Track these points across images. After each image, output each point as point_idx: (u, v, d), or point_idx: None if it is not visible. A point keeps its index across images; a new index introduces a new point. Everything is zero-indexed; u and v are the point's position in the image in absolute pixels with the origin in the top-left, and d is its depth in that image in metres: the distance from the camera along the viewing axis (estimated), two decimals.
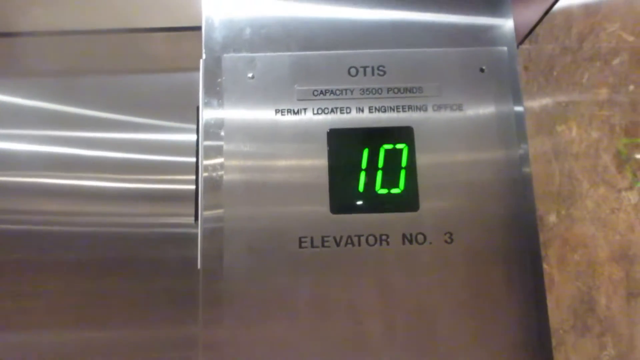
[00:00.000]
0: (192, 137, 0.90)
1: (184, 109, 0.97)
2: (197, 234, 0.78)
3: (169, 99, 1.00)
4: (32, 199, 0.97)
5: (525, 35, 0.77)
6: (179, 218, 0.97)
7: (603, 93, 0.55)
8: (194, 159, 0.86)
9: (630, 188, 0.51)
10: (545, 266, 0.72)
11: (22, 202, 0.97)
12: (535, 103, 0.74)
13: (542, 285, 0.74)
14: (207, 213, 0.78)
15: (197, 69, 0.84)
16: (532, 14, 0.75)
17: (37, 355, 0.94)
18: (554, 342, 0.70)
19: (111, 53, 1.02)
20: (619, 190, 0.53)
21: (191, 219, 0.93)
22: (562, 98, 0.65)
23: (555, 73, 0.66)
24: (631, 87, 0.50)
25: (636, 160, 0.50)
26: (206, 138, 0.80)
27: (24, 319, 0.94)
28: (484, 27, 0.85)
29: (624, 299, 0.52)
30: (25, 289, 0.95)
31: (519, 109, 0.80)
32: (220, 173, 0.79)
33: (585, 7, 0.58)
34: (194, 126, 0.85)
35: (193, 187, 0.86)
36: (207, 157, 0.79)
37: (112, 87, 1.01)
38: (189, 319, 0.92)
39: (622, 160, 0.52)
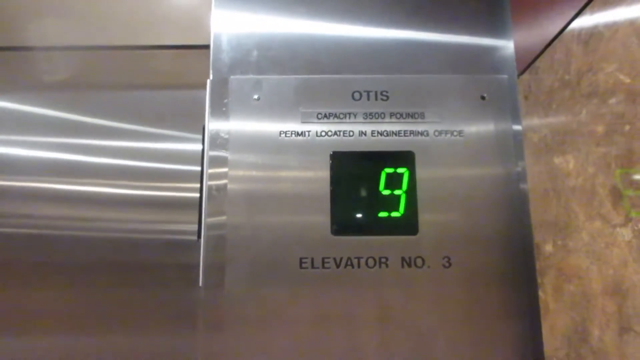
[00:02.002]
0: (197, 155, 0.92)
1: (191, 123, 0.99)
2: (199, 241, 0.80)
3: (174, 112, 1.02)
4: (39, 204, 0.98)
5: (526, 66, 0.78)
6: (183, 225, 0.98)
7: (600, 130, 0.57)
8: (197, 167, 0.88)
9: (625, 225, 0.52)
10: (540, 294, 0.74)
11: (27, 206, 0.99)
12: (534, 133, 0.76)
13: (537, 312, 0.75)
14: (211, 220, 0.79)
15: (203, 85, 0.85)
16: (533, 43, 0.77)
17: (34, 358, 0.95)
18: None
19: (122, 68, 1.04)
20: (614, 226, 0.54)
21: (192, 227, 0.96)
22: (560, 130, 0.66)
23: (554, 106, 0.68)
24: (627, 127, 0.52)
25: (632, 193, 0.52)
26: (211, 166, 0.81)
27: (21, 322, 0.96)
28: (486, 55, 0.87)
29: (617, 333, 0.53)
30: (24, 292, 0.96)
31: (518, 137, 0.82)
32: (222, 183, 0.80)
33: (585, 46, 0.60)
34: (198, 136, 0.86)
35: (194, 195, 0.88)
36: (211, 179, 0.81)
37: (122, 100, 1.03)
38: (187, 329, 0.93)
39: (617, 196, 0.54)
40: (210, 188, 0.80)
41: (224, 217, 0.79)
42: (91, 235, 0.97)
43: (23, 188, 1.00)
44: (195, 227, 0.94)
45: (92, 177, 1.00)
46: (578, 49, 0.62)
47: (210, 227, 0.79)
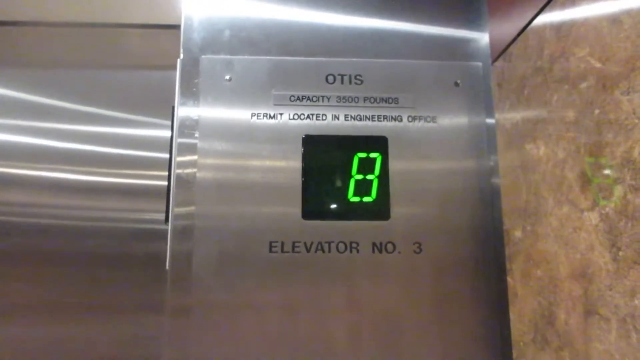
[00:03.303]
0: (166, 134, 0.90)
1: (160, 106, 0.97)
2: (166, 230, 0.78)
3: (144, 95, 0.99)
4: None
5: (499, 53, 0.78)
6: (149, 214, 0.96)
7: (570, 115, 0.57)
8: (167, 155, 0.85)
9: (592, 209, 0.52)
10: (509, 280, 0.74)
11: None
12: (507, 120, 0.76)
13: (505, 298, 0.75)
14: (179, 210, 0.77)
15: (174, 67, 0.83)
16: (507, 30, 0.77)
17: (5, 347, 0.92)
18: (514, 354, 0.71)
19: (88, 46, 1.01)
20: (582, 210, 0.54)
21: (161, 215, 0.93)
22: (531, 117, 0.66)
23: (526, 92, 0.68)
24: (596, 111, 0.52)
25: (600, 179, 0.52)
26: (180, 137, 0.80)
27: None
28: (461, 42, 0.86)
29: (582, 316, 0.54)
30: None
31: (490, 123, 0.82)
32: (193, 170, 0.78)
33: (557, 31, 0.60)
34: (169, 122, 0.84)
35: (164, 183, 0.86)
36: (180, 154, 0.79)
37: (87, 80, 0.99)
38: (154, 315, 0.91)
39: (586, 181, 0.54)
40: (178, 175, 0.78)
41: (192, 207, 0.77)
42: (55, 222, 0.94)
43: None
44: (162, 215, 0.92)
45: (56, 163, 0.96)
46: (551, 35, 0.62)
47: (178, 216, 0.77)
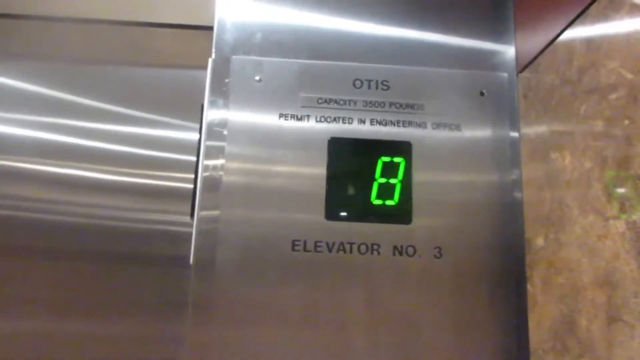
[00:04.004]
0: (194, 136, 0.92)
1: (189, 107, 0.99)
2: (191, 232, 0.79)
3: (173, 95, 1.01)
4: (26, 185, 0.97)
5: (526, 64, 0.80)
6: (174, 216, 0.97)
7: (598, 125, 0.58)
8: (193, 157, 0.87)
9: (618, 217, 0.53)
10: (529, 287, 0.75)
11: (15, 187, 0.97)
12: (532, 130, 0.77)
13: (524, 305, 0.76)
14: (204, 213, 0.79)
15: (204, 67, 0.85)
16: (534, 43, 0.78)
17: (20, 344, 0.93)
18: None
19: (120, 44, 1.03)
20: (607, 219, 0.55)
21: (186, 218, 0.95)
22: (558, 127, 0.67)
23: (553, 102, 0.69)
24: (626, 122, 0.53)
25: (622, 192, 0.53)
26: (209, 138, 0.81)
27: (7, 308, 0.94)
28: (487, 52, 0.88)
29: (605, 323, 0.54)
30: (9, 277, 0.95)
31: (514, 134, 0.83)
32: (220, 173, 0.80)
33: (588, 43, 0.61)
34: (197, 124, 0.86)
35: (190, 185, 0.87)
36: (208, 157, 0.81)
37: (118, 79, 1.02)
38: (176, 317, 0.92)
39: (612, 190, 0.55)
40: (205, 178, 0.80)
41: (218, 211, 0.79)
42: (80, 221, 0.96)
43: (11, 168, 0.98)
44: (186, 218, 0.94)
45: (83, 161, 0.98)
46: (581, 47, 0.63)
47: (203, 218, 0.78)
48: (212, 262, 0.77)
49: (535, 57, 0.77)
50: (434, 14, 0.90)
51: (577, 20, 0.65)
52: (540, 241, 0.72)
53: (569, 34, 0.67)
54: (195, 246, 0.78)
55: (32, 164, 0.98)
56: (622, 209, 0.53)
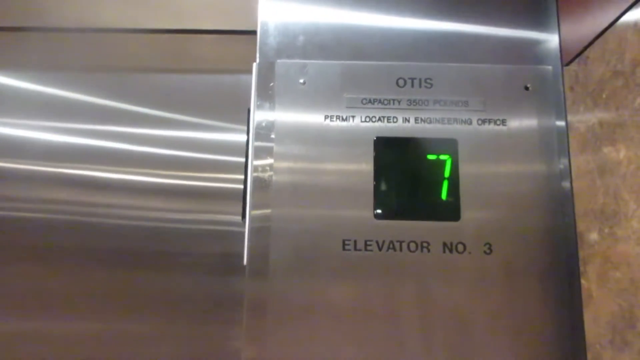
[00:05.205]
0: (241, 138, 0.93)
1: (233, 110, 1.01)
2: (242, 232, 0.81)
3: (218, 100, 1.04)
4: (79, 191, 1.00)
5: (574, 57, 0.79)
6: (226, 216, 1.00)
7: None
8: (241, 159, 0.89)
9: None
10: (583, 282, 0.75)
11: (68, 193, 1.01)
12: (581, 123, 0.76)
13: (579, 300, 0.76)
14: (256, 212, 0.81)
15: (247, 71, 0.87)
16: (581, 35, 0.77)
17: (67, 343, 0.97)
18: (589, 356, 0.72)
19: (165, 52, 1.06)
20: None
21: (237, 218, 0.97)
22: (610, 120, 0.67)
23: (604, 96, 0.68)
24: None
25: None
26: (257, 139, 0.83)
27: (60, 309, 0.98)
28: (530, 45, 0.87)
29: None
30: (63, 278, 0.98)
31: (561, 126, 0.82)
32: (269, 174, 0.82)
33: None
34: (243, 127, 0.88)
35: (240, 186, 0.89)
36: (257, 157, 0.83)
37: (164, 86, 1.05)
38: (230, 317, 0.95)
39: None
40: (255, 178, 0.82)
41: (269, 209, 0.80)
42: (131, 224, 0.99)
43: (62, 174, 1.02)
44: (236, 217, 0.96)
45: (133, 166, 1.01)
46: (633, 39, 0.62)
47: (255, 216, 0.80)
48: (265, 261, 0.79)
49: (583, 50, 0.76)
50: (474, 6, 0.89)
51: (629, 11, 0.64)
52: (594, 235, 0.71)
53: (619, 25, 0.66)
54: (248, 246, 0.80)
55: (84, 170, 1.01)
56: None
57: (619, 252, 0.64)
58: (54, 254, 0.99)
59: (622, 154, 0.64)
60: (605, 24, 0.69)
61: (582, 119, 0.76)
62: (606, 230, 0.67)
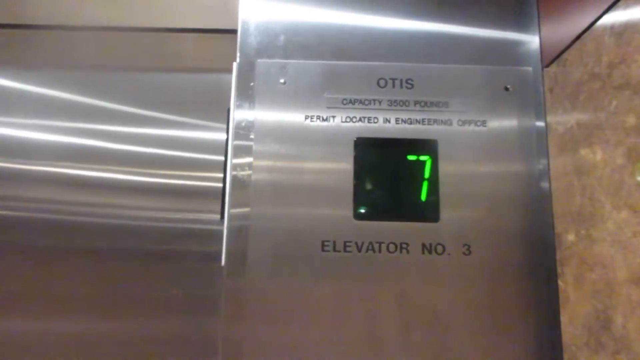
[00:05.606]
0: (222, 136, 0.93)
1: (214, 109, 1.00)
2: (220, 231, 0.81)
3: (199, 98, 1.03)
4: (58, 190, 0.99)
5: (552, 59, 0.79)
6: (203, 215, 0.99)
7: (631, 121, 0.58)
8: (221, 157, 0.89)
9: None
10: (560, 283, 0.75)
11: (47, 191, 0.99)
12: (559, 125, 0.76)
13: (556, 301, 0.76)
14: (234, 211, 0.80)
15: (227, 70, 0.86)
16: (560, 37, 0.78)
17: (54, 344, 0.96)
18: (565, 357, 0.72)
19: (145, 51, 1.05)
20: None
21: (213, 216, 0.97)
22: (587, 122, 0.67)
23: (582, 98, 0.69)
24: None
25: None
26: (236, 138, 0.83)
27: (43, 309, 0.96)
28: (511, 46, 0.87)
29: None
30: (46, 277, 0.97)
31: (540, 128, 0.83)
32: (248, 172, 0.81)
33: (617, 38, 0.61)
34: (224, 125, 0.87)
35: (218, 184, 0.89)
36: (236, 156, 0.82)
37: (144, 84, 1.03)
38: (208, 316, 0.94)
39: None
40: (234, 177, 0.81)
41: (247, 208, 0.80)
42: (110, 222, 0.98)
43: (41, 173, 1.00)
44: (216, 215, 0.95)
45: (111, 164, 1.00)
46: (610, 42, 0.63)
47: (234, 216, 0.80)
48: (243, 261, 0.78)
49: (562, 52, 0.76)
50: (456, 8, 0.89)
51: (605, 14, 0.64)
52: (571, 237, 0.71)
53: (597, 28, 0.66)
54: (226, 245, 0.79)
55: (62, 168, 1.00)
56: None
57: (595, 254, 0.64)
58: (29, 252, 0.97)
59: (599, 156, 0.64)
60: (583, 27, 0.69)
61: (561, 120, 0.76)
62: (583, 232, 0.68)
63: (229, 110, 0.85)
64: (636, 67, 0.57)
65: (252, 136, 0.82)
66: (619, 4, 0.62)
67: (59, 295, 0.97)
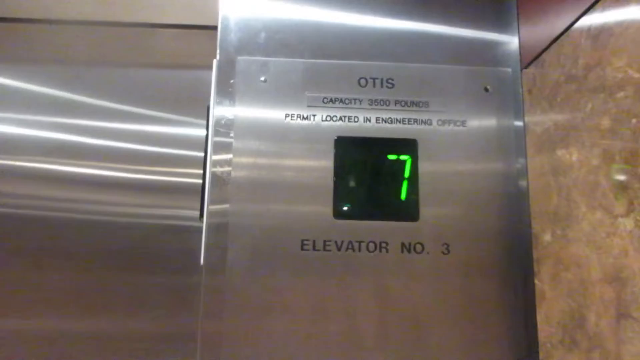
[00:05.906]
0: (202, 132, 0.92)
1: (194, 105, 0.99)
2: (200, 228, 0.80)
3: (179, 94, 1.02)
4: (34, 184, 0.98)
5: (531, 60, 0.80)
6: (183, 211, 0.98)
7: (605, 123, 0.58)
8: (201, 154, 0.88)
9: (627, 215, 0.54)
10: (537, 282, 0.76)
11: (24, 186, 0.98)
12: (537, 126, 0.77)
13: (532, 299, 0.77)
14: (213, 207, 0.79)
15: (208, 67, 0.85)
16: (538, 39, 0.78)
17: (31, 341, 0.95)
18: (541, 354, 0.73)
19: (124, 45, 1.03)
20: (616, 217, 0.56)
21: (193, 212, 0.96)
22: (564, 124, 0.68)
23: (559, 99, 0.69)
24: (634, 120, 0.53)
25: (630, 191, 0.54)
26: (216, 135, 0.82)
27: (19, 306, 0.95)
28: (491, 48, 0.88)
29: (614, 319, 0.55)
30: (20, 275, 0.96)
31: (519, 128, 0.84)
32: (228, 169, 0.81)
33: (594, 41, 0.62)
34: (204, 121, 0.87)
35: (198, 181, 0.88)
36: (216, 153, 0.81)
37: (123, 79, 1.02)
38: (188, 312, 0.93)
39: (620, 189, 0.55)
40: (214, 173, 0.81)
41: (227, 205, 0.79)
42: (88, 218, 0.97)
43: (19, 168, 0.99)
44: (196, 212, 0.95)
45: (91, 160, 0.99)
46: (587, 44, 0.63)
47: (212, 213, 0.79)
48: (223, 259, 0.78)
49: (540, 54, 0.77)
50: (437, 8, 0.90)
51: (583, 17, 0.65)
52: (547, 237, 0.72)
53: (574, 31, 0.67)
54: (205, 242, 0.79)
55: (40, 163, 0.99)
56: (631, 207, 0.54)
57: (570, 254, 0.65)
58: (5, 247, 0.95)
59: (575, 157, 0.65)
60: (561, 29, 0.70)
61: (539, 121, 0.77)
62: (558, 232, 0.69)
63: (208, 107, 0.84)
64: (611, 70, 0.58)
65: (232, 133, 0.82)
66: (596, 6, 0.62)
67: (36, 291, 0.95)
